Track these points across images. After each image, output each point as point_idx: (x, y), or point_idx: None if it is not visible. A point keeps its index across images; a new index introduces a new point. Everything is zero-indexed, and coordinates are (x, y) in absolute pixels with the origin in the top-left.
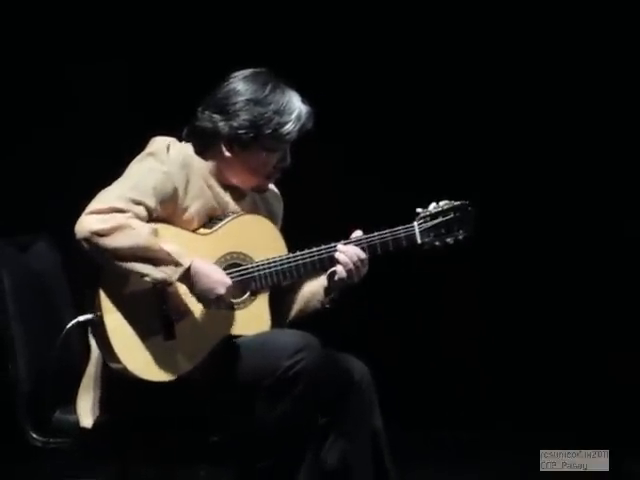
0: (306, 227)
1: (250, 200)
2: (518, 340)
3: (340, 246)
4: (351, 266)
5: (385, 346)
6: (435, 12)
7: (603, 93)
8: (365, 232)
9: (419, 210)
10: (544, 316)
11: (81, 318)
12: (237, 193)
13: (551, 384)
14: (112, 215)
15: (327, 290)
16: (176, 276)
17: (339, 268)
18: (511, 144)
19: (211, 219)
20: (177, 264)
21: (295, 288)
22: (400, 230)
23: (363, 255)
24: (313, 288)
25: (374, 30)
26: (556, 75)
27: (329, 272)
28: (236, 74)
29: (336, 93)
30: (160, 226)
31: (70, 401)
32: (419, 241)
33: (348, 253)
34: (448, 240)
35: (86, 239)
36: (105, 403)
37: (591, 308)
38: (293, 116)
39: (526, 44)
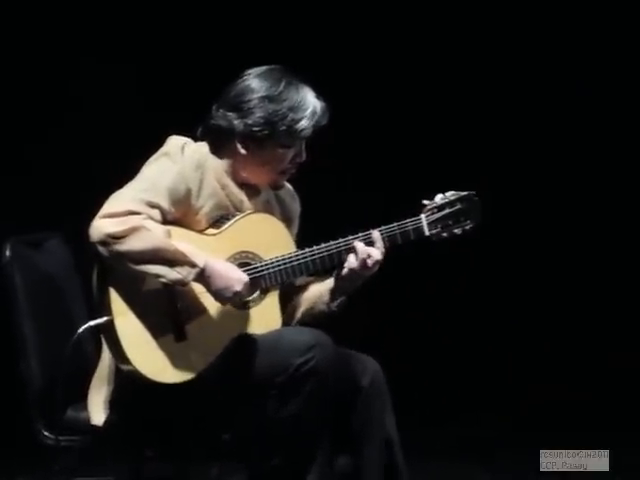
0: (313, 224)
1: (264, 198)
2: (518, 340)
3: (356, 242)
4: (364, 258)
5: (396, 344)
6: (437, 8)
7: (606, 88)
8: (372, 227)
9: (425, 202)
10: (544, 317)
11: (92, 322)
12: (252, 191)
13: (551, 384)
14: (127, 217)
15: (333, 292)
16: (192, 276)
17: (349, 261)
18: (516, 135)
19: (219, 219)
20: (192, 264)
21: (301, 291)
22: (408, 223)
23: (373, 250)
24: (319, 291)
25: (379, 28)
26: (562, 70)
27: (336, 273)
28: (250, 71)
29: (343, 88)
30: (169, 228)
31: (81, 399)
32: (427, 233)
33: (358, 248)
34: (456, 231)
35: (101, 242)
36: (116, 401)
37: (592, 307)
38: (308, 112)
39: (532, 40)
